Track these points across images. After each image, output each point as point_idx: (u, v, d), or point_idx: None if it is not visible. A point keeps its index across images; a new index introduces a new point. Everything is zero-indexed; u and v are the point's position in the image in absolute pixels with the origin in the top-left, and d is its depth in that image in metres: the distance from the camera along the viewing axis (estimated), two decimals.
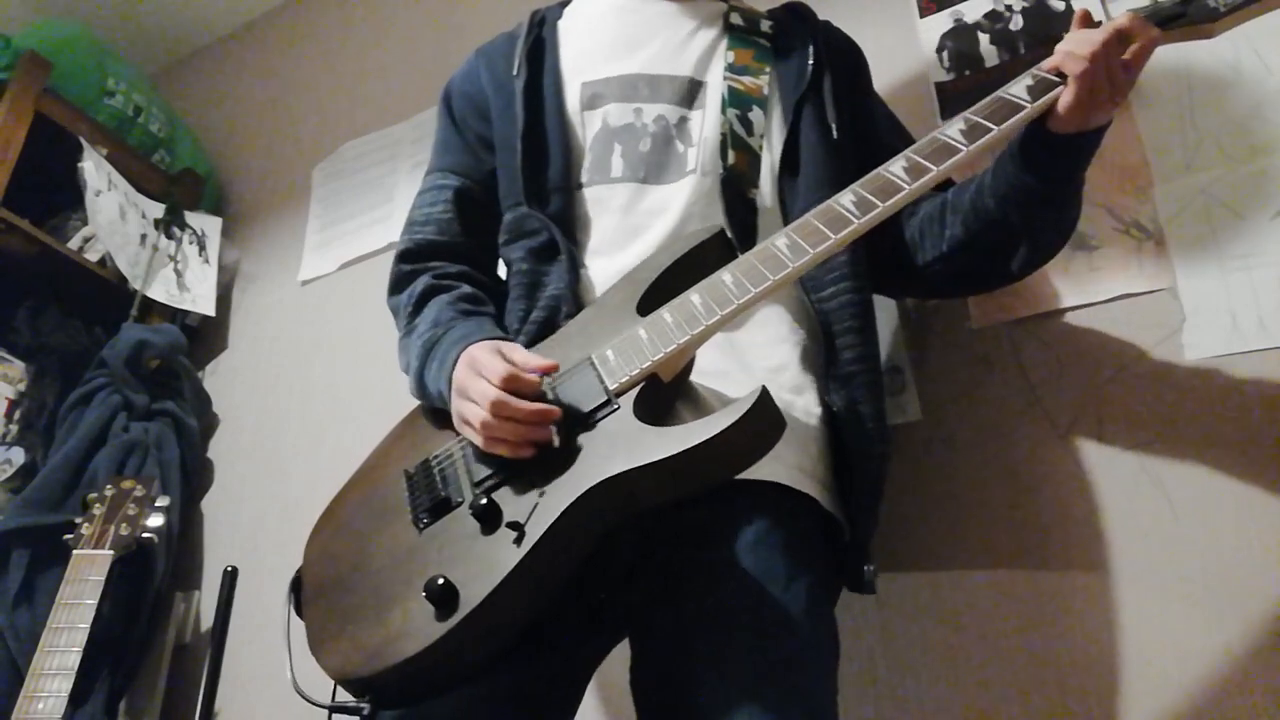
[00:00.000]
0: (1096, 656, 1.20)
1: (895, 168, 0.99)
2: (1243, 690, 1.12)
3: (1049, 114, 1.00)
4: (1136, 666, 1.18)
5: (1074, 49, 0.97)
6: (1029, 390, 1.36)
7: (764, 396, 0.87)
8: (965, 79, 1.58)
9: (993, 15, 1.60)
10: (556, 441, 0.94)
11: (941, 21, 1.64)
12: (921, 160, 0.98)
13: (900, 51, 1.63)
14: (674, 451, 0.87)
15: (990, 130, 0.98)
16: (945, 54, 1.61)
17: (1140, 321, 1.32)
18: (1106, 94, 0.97)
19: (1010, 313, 1.40)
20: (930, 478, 1.37)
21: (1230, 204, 1.31)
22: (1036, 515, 1.30)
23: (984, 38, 1.59)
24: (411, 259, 1.24)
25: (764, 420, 0.88)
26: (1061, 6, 1.54)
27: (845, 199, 0.99)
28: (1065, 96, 0.98)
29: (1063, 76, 0.98)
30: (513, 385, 0.95)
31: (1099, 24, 1.01)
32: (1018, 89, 1.01)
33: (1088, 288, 1.35)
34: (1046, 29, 1.54)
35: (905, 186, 0.97)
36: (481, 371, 0.97)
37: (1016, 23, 1.57)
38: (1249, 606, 1.14)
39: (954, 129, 1.00)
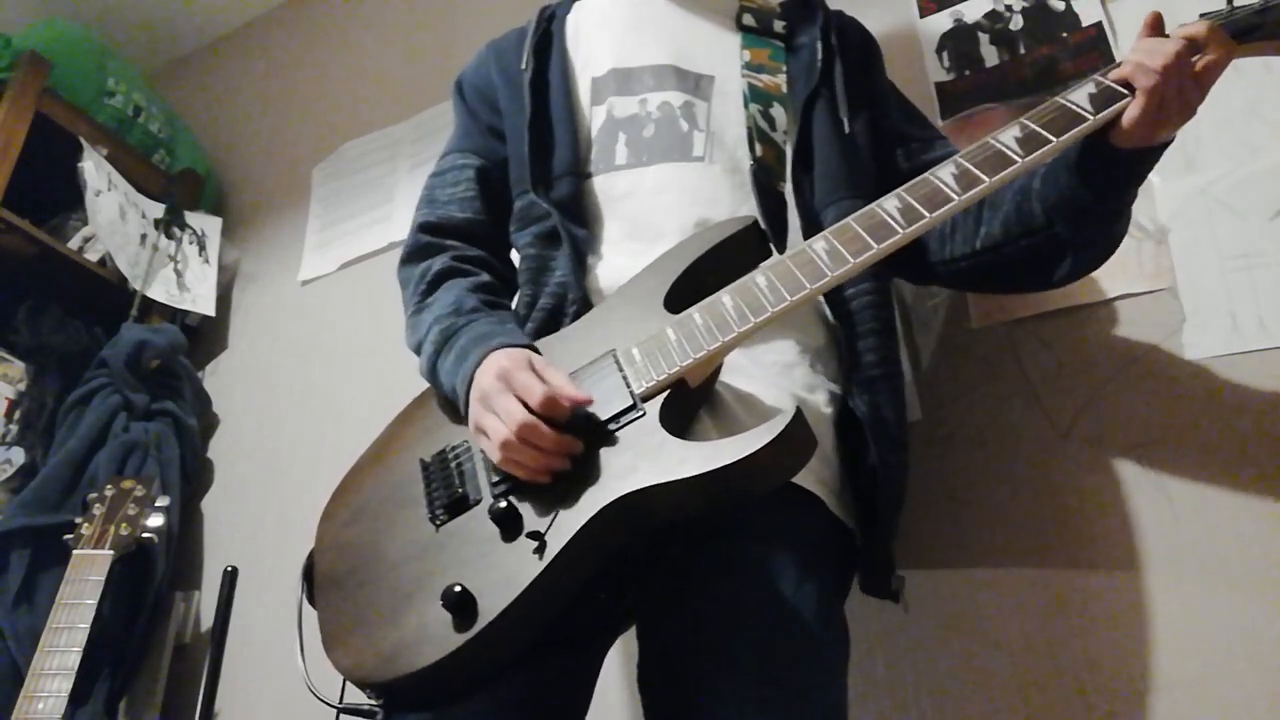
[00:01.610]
0: (1095, 656, 1.20)
1: (945, 174, 0.95)
2: (1243, 690, 1.12)
3: (1111, 126, 0.95)
4: (1135, 666, 1.18)
5: (1145, 60, 0.92)
6: (1029, 390, 1.36)
7: (798, 419, 0.85)
8: (965, 79, 1.58)
9: (993, 15, 1.60)
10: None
11: (941, 21, 1.64)
12: (973, 169, 0.94)
13: (900, 51, 1.62)
14: (702, 471, 0.85)
15: (1049, 142, 0.93)
16: (945, 54, 1.61)
17: (1140, 321, 1.32)
18: (1176, 109, 0.93)
19: (1010, 313, 1.40)
20: (930, 477, 1.37)
21: (1230, 204, 1.31)
22: (1036, 515, 1.30)
23: (984, 38, 1.59)
24: (432, 231, 1.23)
25: (797, 442, 0.87)
26: (1062, 6, 1.54)
27: (890, 204, 0.95)
28: (1132, 110, 0.93)
29: (1130, 89, 0.93)
30: (547, 411, 0.91)
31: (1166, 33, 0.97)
32: (1079, 96, 0.95)
33: (1088, 288, 1.35)
34: (1046, 29, 1.54)
35: (955, 197, 0.93)
36: (513, 387, 0.93)
37: (1016, 23, 1.57)
38: (1249, 606, 1.14)
39: (1009, 136, 0.95)
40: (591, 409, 0.94)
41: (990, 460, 1.35)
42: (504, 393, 0.94)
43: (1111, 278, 1.34)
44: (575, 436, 0.92)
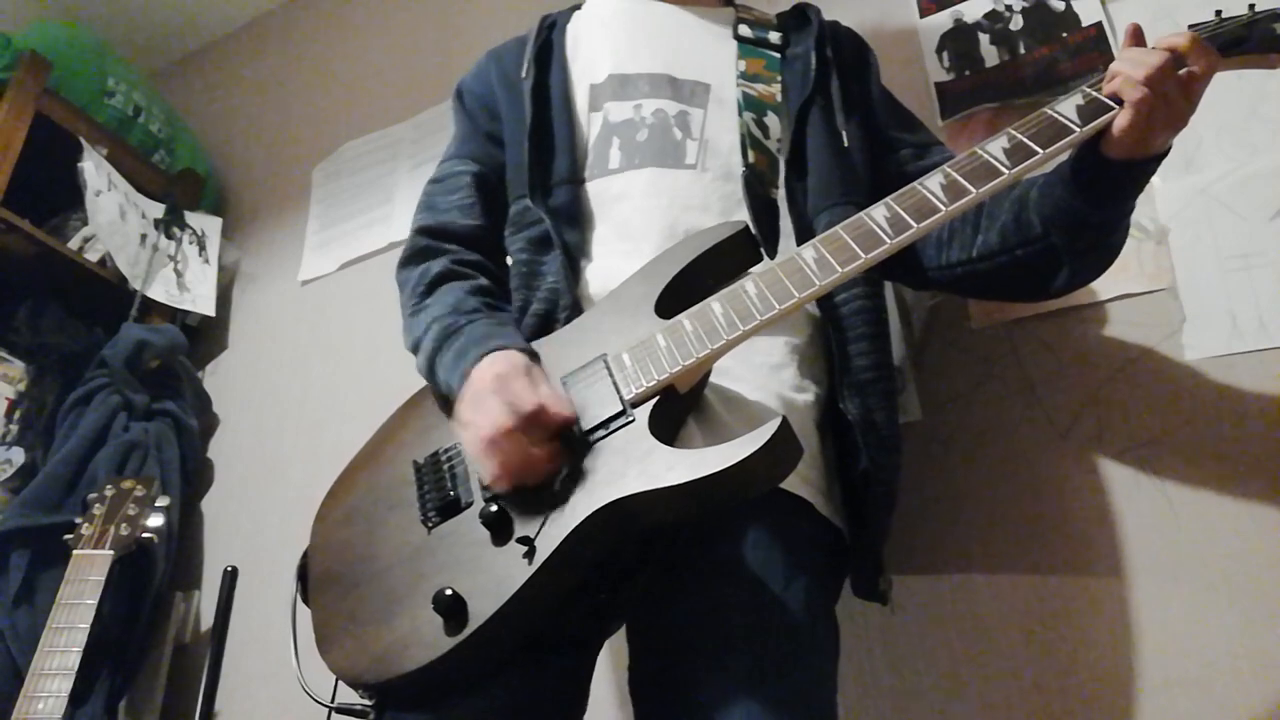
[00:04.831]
0: (1095, 657, 1.20)
1: (932, 184, 0.96)
2: (1243, 691, 1.12)
3: (1103, 136, 0.96)
4: (1136, 666, 1.18)
5: (1130, 72, 0.93)
6: (1029, 390, 1.36)
7: (784, 427, 0.86)
8: (965, 79, 1.58)
9: (993, 15, 1.60)
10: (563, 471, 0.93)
11: (941, 21, 1.64)
12: (961, 180, 0.95)
13: (900, 51, 1.63)
14: (689, 478, 0.86)
15: (1036, 154, 0.94)
16: (945, 54, 1.61)
17: (1140, 321, 1.32)
18: (1163, 118, 0.93)
19: (1010, 313, 1.40)
20: (930, 478, 1.37)
21: (1230, 204, 1.31)
22: (1036, 515, 1.30)
23: (984, 38, 1.59)
24: (432, 235, 1.23)
25: (783, 450, 0.87)
26: (1062, 6, 1.54)
27: (878, 214, 0.96)
28: (1120, 120, 0.94)
29: (1118, 101, 0.94)
30: (532, 423, 0.92)
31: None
32: (1067, 108, 0.97)
33: (1088, 288, 1.35)
34: (1046, 29, 1.54)
35: (942, 208, 0.94)
36: (505, 393, 0.94)
37: (1016, 23, 1.57)
38: (1249, 606, 1.14)
39: (997, 146, 0.96)
40: (582, 414, 0.95)
41: (990, 460, 1.35)
42: (495, 395, 0.95)
43: (1111, 278, 1.33)
44: (560, 450, 0.94)
